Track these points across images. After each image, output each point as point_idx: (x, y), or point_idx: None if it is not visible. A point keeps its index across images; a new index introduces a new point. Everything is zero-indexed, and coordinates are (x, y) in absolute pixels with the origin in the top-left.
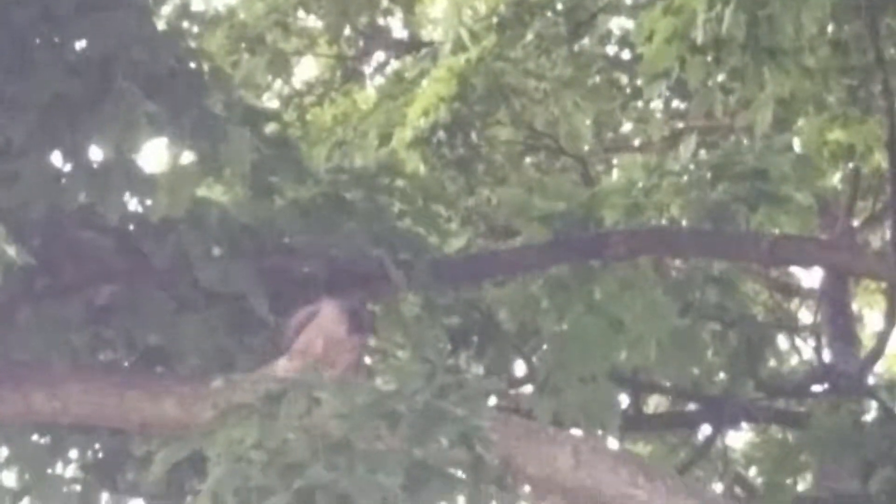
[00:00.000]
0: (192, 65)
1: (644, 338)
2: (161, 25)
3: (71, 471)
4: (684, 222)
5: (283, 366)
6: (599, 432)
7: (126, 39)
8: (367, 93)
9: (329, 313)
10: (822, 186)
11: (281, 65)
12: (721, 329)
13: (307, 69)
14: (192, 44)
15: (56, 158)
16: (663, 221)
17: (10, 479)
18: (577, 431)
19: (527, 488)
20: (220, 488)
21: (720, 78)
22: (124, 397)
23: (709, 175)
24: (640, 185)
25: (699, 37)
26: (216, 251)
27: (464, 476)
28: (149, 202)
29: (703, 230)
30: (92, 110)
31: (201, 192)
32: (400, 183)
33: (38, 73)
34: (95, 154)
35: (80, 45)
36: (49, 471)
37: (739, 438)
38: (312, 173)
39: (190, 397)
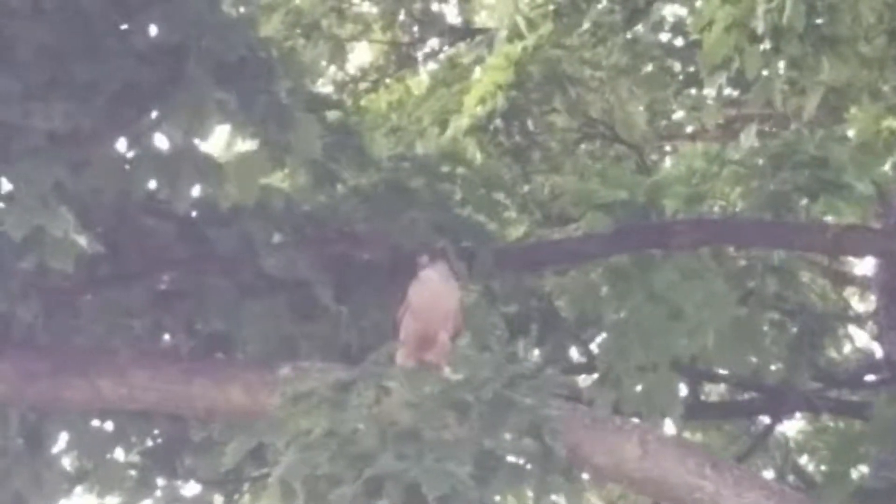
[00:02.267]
0: (262, 53)
1: (703, 326)
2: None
3: (130, 456)
4: (743, 211)
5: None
6: (661, 421)
7: (197, 27)
8: (421, 79)
9: (418, 288)
10: (879, 174)
11: (336, 51)
12: (780, 318)
13: (361, 55)
14: (261, 32)
15: (123, 145)
16: (723, 210)
17: (68, 463)
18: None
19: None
20: (289, 477)
21: (779, 67)
22: (191, 384)
23: (768, 164)
24: (700, 173)
25: (759, 26)
26: (280, 238)
27: (531, 466)
28: (216, 189)
29: (768, 220)
30: (162, 97)
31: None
32: (461, 171)
33: (109, 61)
34: (162, 141)
35: (151, 32)
36: (108, 456)
37: (792, 427)
38: (374, 161)
39: (256, 385)
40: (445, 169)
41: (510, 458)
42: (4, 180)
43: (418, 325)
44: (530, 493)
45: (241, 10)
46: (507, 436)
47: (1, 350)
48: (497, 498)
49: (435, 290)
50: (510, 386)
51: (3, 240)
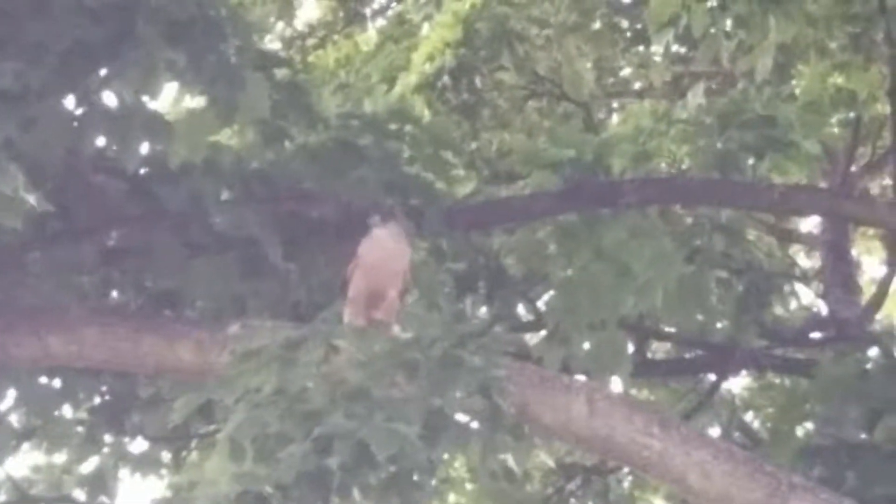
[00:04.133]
0: (211, 11)
1: (651, 284)
2: None
3: (78, 413)
4: (690, 169)
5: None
6: (609, 379)
7: None
8: (369, 36)
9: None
10: (826, 133)
11: (284, 7)
12: (726, 276)
13: (310, 11)
14: None
15: (71, 103)
16: (670, 169)
17: (15, 420)
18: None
19: (541, 436)
20: (238, 435)
21: (726, 25)
22: (140, 342)
23: (715, 122)
24: (648, 132)
25: None
26: (229, 196)
27: (480, 425)
28: (165, 147)
29: (716, 179)
30: (111, 56)
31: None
32: (409, 129)
33: (58, 19)
34: (111, 99)
35: None
36: (56, 413)
37: (738, 385)
38: (323, 119)
39: (206, 342)
40: (394, 126)
41: (458, 417)
42: None
43: (368, 283)
44: (478, 452)
45: None
46: (456, 395)
47: None
48: (445, 456)
49: (386, 249)
50: (459, 345)
51: None
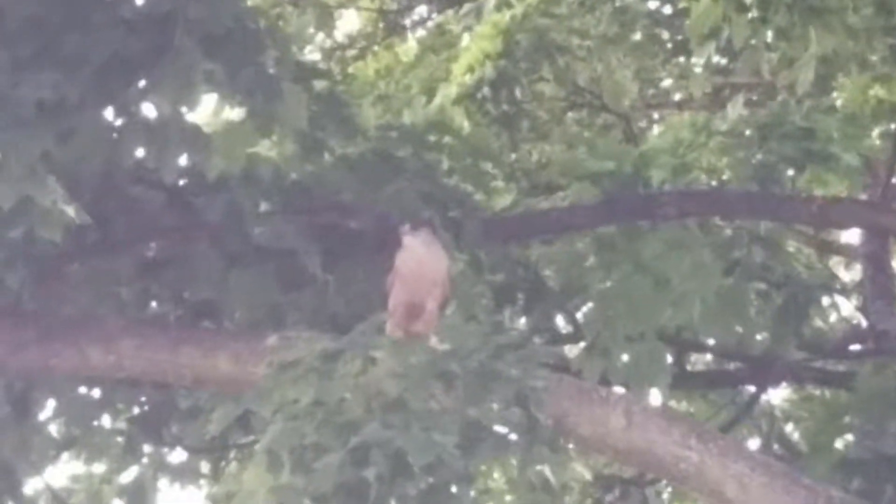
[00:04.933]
0: (249, 23)
1: (689, 297)
2: None
3: (117, 423)
4: (730, 181)
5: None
6: (647, 391)
7: None
8: (409, 47)
9: (404, 257)
10: (866, 146)
11: (324, 18)
12: (765, 288)
13: (349, 22)
14: (248, 2)
15: (110, 114)
16: (710, 181)
17: (55, 430)
18: (621, 390)
19: (578, 448)
20: (275, 446)
21: (766, 37)
22: (178, 353)
23: (755, 134)
24: (687, 144)
25: None
26: (267, 208)
27: (517, 436)
28: (203, 159)
29: (755, 192)
30: (150, 67)
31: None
32: (448, 140)
33: (97, 31)
34: (149, 111)
35: (139, 2)
36: (95, 423)
37: (777, 397)
38: (362, 130)
39: (244, 353)
40: (433, 138)
41: (496, 429)
42: None
43: (406, 294)
44: (515, 463)
45: None
46: (493, 406)
47: None
48: (483, 468)
49: (420, 258)
50: (496, 356)
51: None
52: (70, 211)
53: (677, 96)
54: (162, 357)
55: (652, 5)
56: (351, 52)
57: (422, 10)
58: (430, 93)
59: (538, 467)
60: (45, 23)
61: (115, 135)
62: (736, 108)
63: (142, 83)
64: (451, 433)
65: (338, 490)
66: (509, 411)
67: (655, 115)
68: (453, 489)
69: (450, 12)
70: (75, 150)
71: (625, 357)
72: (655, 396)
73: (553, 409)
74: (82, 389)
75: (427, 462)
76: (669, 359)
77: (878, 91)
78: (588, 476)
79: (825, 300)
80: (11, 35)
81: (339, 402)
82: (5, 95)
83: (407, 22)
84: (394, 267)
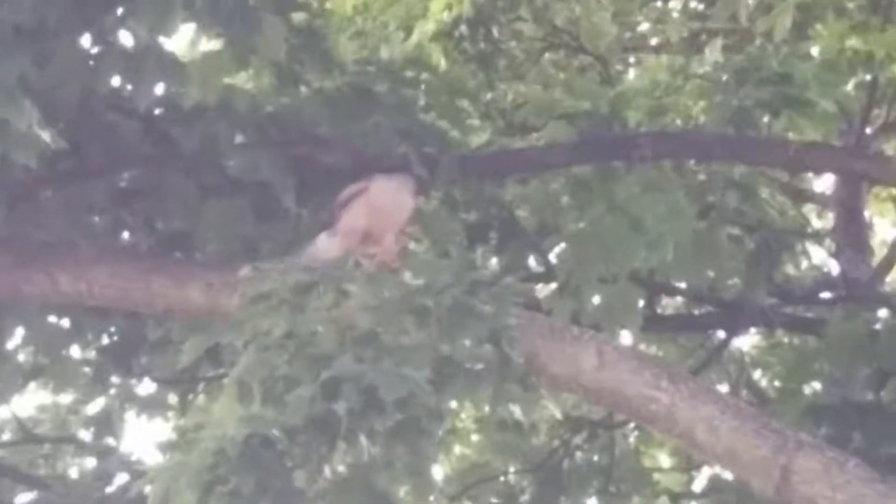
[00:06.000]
0: None
1: (663, 239)
2: None
3: (86, 353)
4: (706, 125)
5: (323, 242)
6: (618, 333)
7: None
8: None
9: (381, 186)
10: (842, 93)
11: None
12: (738, 233)
13: None
14: None
15: (87, 41)
16: (686, 123)
17: (23, 359)
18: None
19: (549, 386)
20: (246, 377)
21: None
22: (150, 282)
23: (732, 79)
24: (664, 86)
25: None
26: (243, 139)
27: (489, 373)
28: (180, 88)
29: (731, 135)
30: None
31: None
32: (425, 77)
33: None
34: (127, 39)
35: None
36: (64, 352)
37: (747, 342)
38: (339, 64)
39: (217, 285)
40: (410, 74)
41: (468, 365)
42: None
43: (365, 221)
44: (486, 401)
45: None
46: (466, 342)
47: None
48: (453, 405)
49: (392, 197)
50: (470, 293)
51: None
52: (45, 136)
53: (654, 40)
54: (133, 286)
55: None
56: None
57: None
58: (407, 30)
59: (509, 406)
60: None
61: (91, 62)
62: (713, 52)
63: (120, 10)
64: (423, 368)
65: (308, 423)
66: (482, 348)
67: (632, 59)
68: (423, 425)
69: None
70: (52, 76)
71: (596, 298)
72: (626, 339)
73: (525, 348)
74: (52, 318)
75: (399, 397)
76: (641, 302)
77: (854, 41)
78: (559, 415)
79: (797, 247)
80: None
81: (312, 334)
82: None
83: None
84: (364, 186)
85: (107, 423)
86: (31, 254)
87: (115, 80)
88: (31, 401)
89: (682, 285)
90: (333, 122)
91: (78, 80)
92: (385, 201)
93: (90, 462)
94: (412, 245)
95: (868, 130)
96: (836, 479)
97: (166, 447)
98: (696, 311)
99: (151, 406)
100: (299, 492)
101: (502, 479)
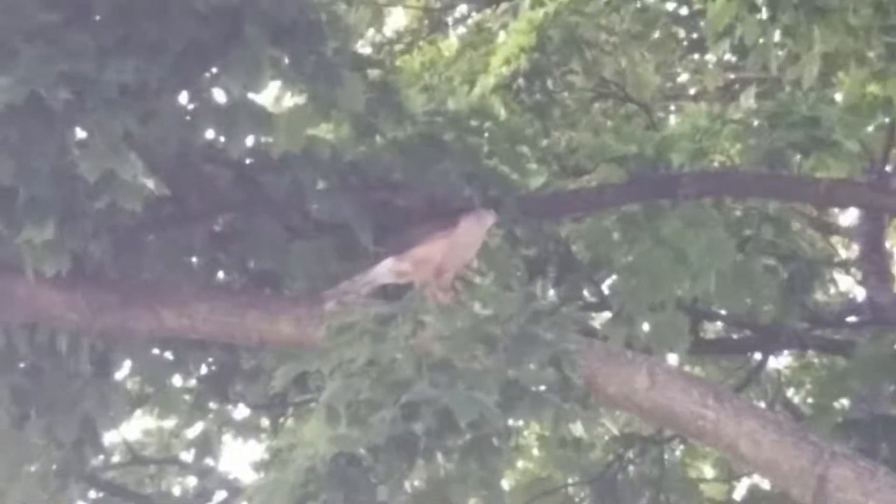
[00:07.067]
0: (312, 16)
1: (705, 270)
2: None
3: (187, 382)
4: (742, 165)
5: (387, 265)
6: (667, 356)
7: None
8: (451, 42)
9: (466, 228)
10: (865, 134)
11: (374, 15)
12: (773, 263)
13: (397, 19)
14: None
15: (184, 98)
16: (724, 164)
17: (131, 388)
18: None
19: (606, 406)
20: (334, 401)
21: (775, 35)
22: (245, 317)
23: (765, 123)
24: (704, 131)
25: None
26: (325, 185)
27: (552, 395)
28: (268, 139)
29: (766, 173)
30: (221, 55)
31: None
32: (488, 125)
33: (173, 20)
34: (220, 95)
35: None
36: (167, 381)
37: (782, 363)
38: (410, 115)
39: (305, 318)
40: (474, 123)
41: (532, 388)
42: (79, 129)
43: (442, 258)
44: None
45: None
46: (531, 367)
47: (74, 283)
48: (520, 423)
49: (473, 239)
50: (533, 321)
51: (78, 183)
52: (149, 184)
53: (693, 89)
54: (231, 320)
55: (671, 6)
56: (398, 47)
57: (463, 8)
58: (470, 83)
59: (570, 424)
60: (128, 12)
61: (188, 117)
62: (748, 99)
63: (214, 69)
64: (493, 392)
65: (390, 442)
66: (545, 372)
67: (673, 107)
68: (494, 443)
69: (488, 10)
70: (154, 130)
71: (646, 325)
72: (673, 361)
73: (584, 370)
74: (156, 350)
75: (471, 419)
76: (686, 327)
77: (874, 87)
78: (615, 431)
79: (826, 275)
80: (98, 24)
81: (391, 362)
82: (92, 79)
83: (449, 19)
84: (453, 225)
85: (206, 445)
86: (137, 292)
87: (210, 133)
88: (138, 426)
89: (723, 312)
90: (406, 169)
91: (177, 134)
92: (464, 241)
93: (192, 481)
94: (477, 279)
95: (888, 168)
96: (868, 486)
97: (260, 466)
98: (736, 335)
99: (246, 429)
100: None
101: (562, 491)
